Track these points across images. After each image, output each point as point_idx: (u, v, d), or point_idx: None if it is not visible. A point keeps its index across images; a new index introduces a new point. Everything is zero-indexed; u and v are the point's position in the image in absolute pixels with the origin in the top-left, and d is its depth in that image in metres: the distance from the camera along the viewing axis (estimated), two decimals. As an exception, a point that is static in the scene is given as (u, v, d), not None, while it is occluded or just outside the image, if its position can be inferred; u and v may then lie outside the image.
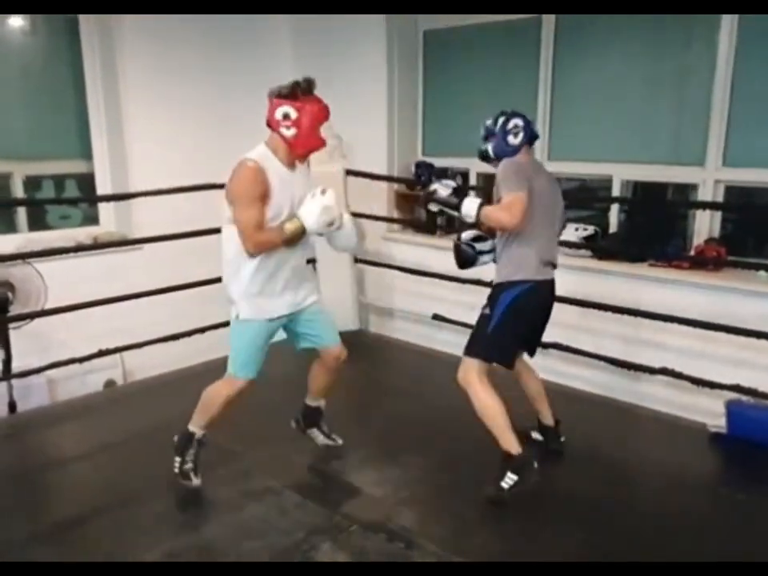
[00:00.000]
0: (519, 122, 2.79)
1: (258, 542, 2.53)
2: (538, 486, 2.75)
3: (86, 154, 4.59)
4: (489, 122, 2.85)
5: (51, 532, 2.62)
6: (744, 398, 3.34)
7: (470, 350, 2.84)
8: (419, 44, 4.96)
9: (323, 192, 2.57)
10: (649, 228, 4.15)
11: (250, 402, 2.88)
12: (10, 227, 4.42)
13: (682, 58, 3.87)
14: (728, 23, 3.60)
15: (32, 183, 4.47)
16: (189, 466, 2.85)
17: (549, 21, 4.26)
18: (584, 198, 4.87)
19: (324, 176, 4.69)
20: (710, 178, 3.79)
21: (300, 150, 2.59)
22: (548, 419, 3.18)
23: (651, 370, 3.59)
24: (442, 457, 3.18)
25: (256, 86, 5.09)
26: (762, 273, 3.56)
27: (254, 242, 2.52)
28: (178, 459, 2.86)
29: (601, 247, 4.09)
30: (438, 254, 4.39)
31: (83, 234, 4.49)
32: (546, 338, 3.96)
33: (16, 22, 4.31)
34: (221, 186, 4.10)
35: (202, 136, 4.89)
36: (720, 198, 3.82)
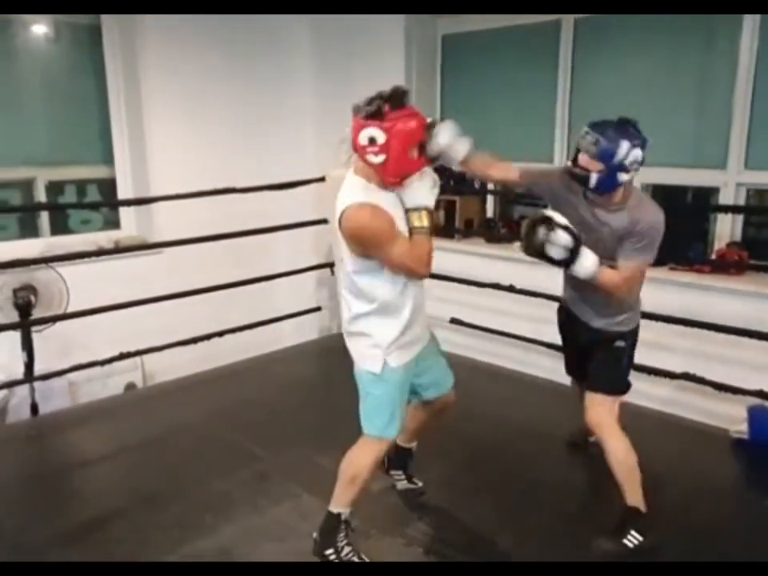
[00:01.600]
0: (640, 155, 2.28)
1: (278, 546, 2.54)
2: (559, 489, 2.74)
3: (108, 159, 4.64)
4: (604, 142, 2.26)
5: (73, 533, 2.65)
6: (767, 403, 3.30)
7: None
8: (437, 48, 4.96)
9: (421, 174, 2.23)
10: (670, 231, 4.10)
11: (272, 404, 2.89)
12: (33, 231, 4.47)
13: (703, 61, 3.84)
14: (749, 25, 3.56)
15: (54, 188, 4.52)
16: (347, 551, 2.41)
17: (568, 24, 4.24)
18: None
19: (341, 180, 4.72)
20: (731, 181, 3.75)
21: (392, 178, 2.16)
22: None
23: (672, 375, 3.56)
24: (462, 461, 3.17)
25: (276, 91, 5.19)
26: (784, 277, 3.52)
27: (418, 264, 2.17)
28: (331, 552, 2.40)
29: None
30: (457, 257, 4.39)
31: (104, 238, 4.54)
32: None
33: (40, 29, 4.38)
34: (240, 191, 4.20)
35: (223, 141, 4.93)
36: (741, 201, 3.78)
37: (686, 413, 3.64)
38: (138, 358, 4.28)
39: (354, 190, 2.21)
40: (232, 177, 4.29)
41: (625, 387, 2.65)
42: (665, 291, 3.72)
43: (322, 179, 4.68)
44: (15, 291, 3.76)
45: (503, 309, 4.32)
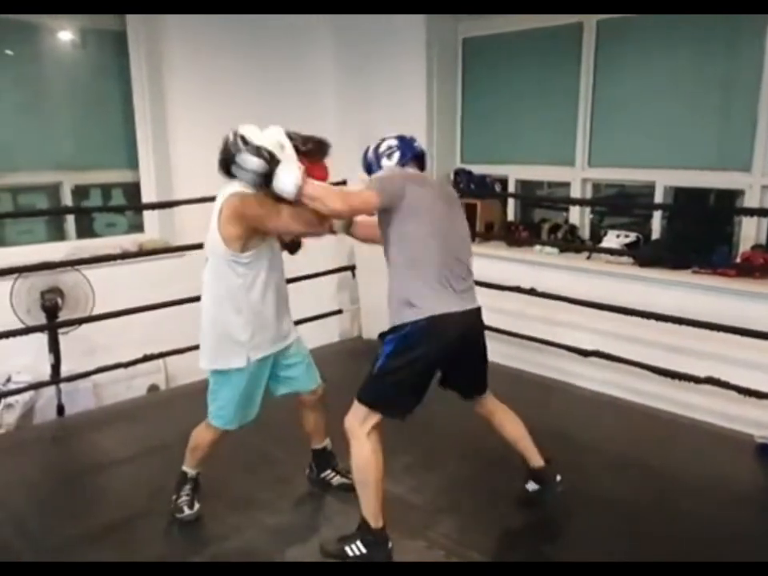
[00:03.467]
0: (393, 142, 2.61)
1: (301, 548, 2.56)
2: (582, 495, 2.72)
3: (133, 163, 4.69)
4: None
5: (100, 533, 2.68)
6: (793, 408, 3.26)
7: None
8: (458, 51, 4.97)
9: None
10: (693, 235, 4.08)
11: (293, 406, 2.90)
12: (60, 235, 4.54)
13: (728, 63, 3.81)
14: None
15: (80, 192, 4.59)
16: (183, 499, 2.76)
17: (590, 27, 4.23)
18: (627, 205, 4.79)
19: (363, 184, 4.74)
20: (756, 184, 3.71)
21: None
22: (537, 461, 2.73)
23: (696, 380, 3.52)
24: (482, 464, 3.16)
25: (299, 94, 5.21)
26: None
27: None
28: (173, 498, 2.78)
29: (643, 254, 4.03)
30: (477, 261, 4.37)
31: (128, 241, 4.59)
32: (588, 345, 3.95)
33: (66, 35, 4.45)
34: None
35: (244, 145, 4.96)
36: (767, 204, 3.74)
37: (711, 418, 3.60)
38: (160, 361, 4.33)
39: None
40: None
41: (373, 400, 2.40)
42: (687, 295, 3.70)
43: (344, 183, 4.70)
44: (43, 293, 3.82)
45: (524, 312, 4.31)
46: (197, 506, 2.76)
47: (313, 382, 2.82)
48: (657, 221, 4.16)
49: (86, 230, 4.62)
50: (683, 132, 3.98)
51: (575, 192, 4.46)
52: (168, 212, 4.58)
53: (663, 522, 2.71)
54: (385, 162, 2.57)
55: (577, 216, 4.51)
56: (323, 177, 2.42)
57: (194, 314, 4.18)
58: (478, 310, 2.49)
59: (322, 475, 2.98)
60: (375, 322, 4.92)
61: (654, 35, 4.01)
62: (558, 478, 2.71)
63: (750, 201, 3.74)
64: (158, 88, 4.58)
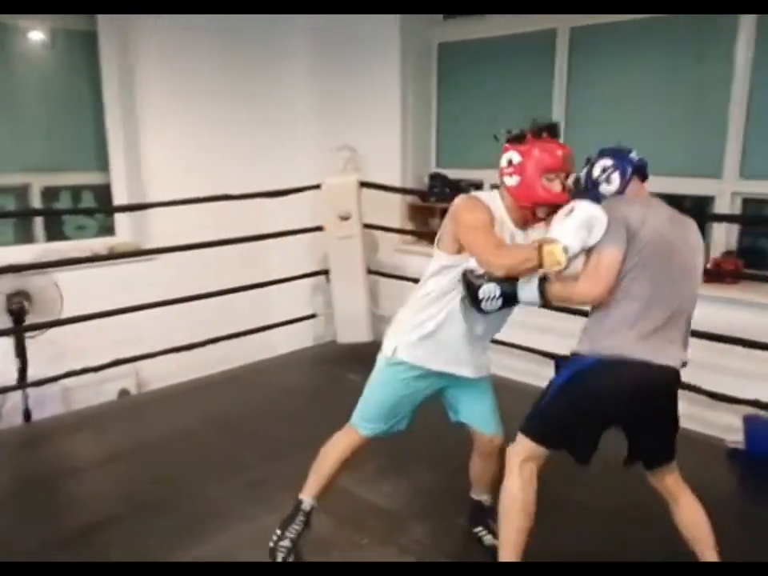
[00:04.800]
0: (607, 161, 2.22)
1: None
2: (557, 500, 2.71)
3: (103, 165, 4.64)
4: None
5: (67, 540, 2.63)
6: (762, 412, 3.30)
7: None
8: (433, 56, 4.98)
9: (572, 209, 2.02)
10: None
11: (266, 412, 2.87)
12: (28, 237, 4.46)
13: (699, 70, 3.85)
14: (745, 34, 3.59)
15: (50, 194, 4.53)
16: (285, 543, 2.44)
17: (563, 32, 4.26)
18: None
19: (337, 188, 4.74)
20: (727, 190, 3.76)
21: (523, 201, 2.15)
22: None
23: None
24: (455, 469, 3.14)
25: (272, 98, 5.19)
26: (780, 286, 3.53)
27: (499, 260, 2.04)
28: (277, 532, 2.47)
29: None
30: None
31: (99, 244, 4.53)
32: (557, 349, 3.96)
33: (36, 36, 4.38)
34: (235, 198, 4.20)
35: (218, 148, 4.94)
36: (737, 211, 3.79)
37: (683, 422, 3.62)
38: (131, 365, 4.26)
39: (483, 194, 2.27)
40: (227, 183, 4.29)
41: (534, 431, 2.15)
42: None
43: (318, 187, 4.68)
44: (9, 297, 3.75)
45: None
46: (292, 556, 2.42)
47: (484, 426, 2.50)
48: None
49: (55, 233, 4.55)
50: (656, 138, 4.02)
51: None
52: (140, 214, 4.53)
53: (633, 525, 2.72)
54: (604, 188, 2.20)
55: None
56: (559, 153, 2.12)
57: (166, 317, 4.18)
58: None
59: (474, 530, 2.70)
60: (349, 327, 4.92)
61: (626, 43, 4.05)
62: None
63: (721, 207, 3.79)
64: (129, 89, 4.53)
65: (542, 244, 1.98)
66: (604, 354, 2.02)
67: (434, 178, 4.93)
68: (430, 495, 2.98)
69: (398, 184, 4.92)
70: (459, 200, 2.21)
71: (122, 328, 4.03)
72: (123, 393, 4.52)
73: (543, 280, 2.06)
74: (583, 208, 2.00)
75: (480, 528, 2.68)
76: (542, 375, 2.59)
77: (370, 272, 4.89)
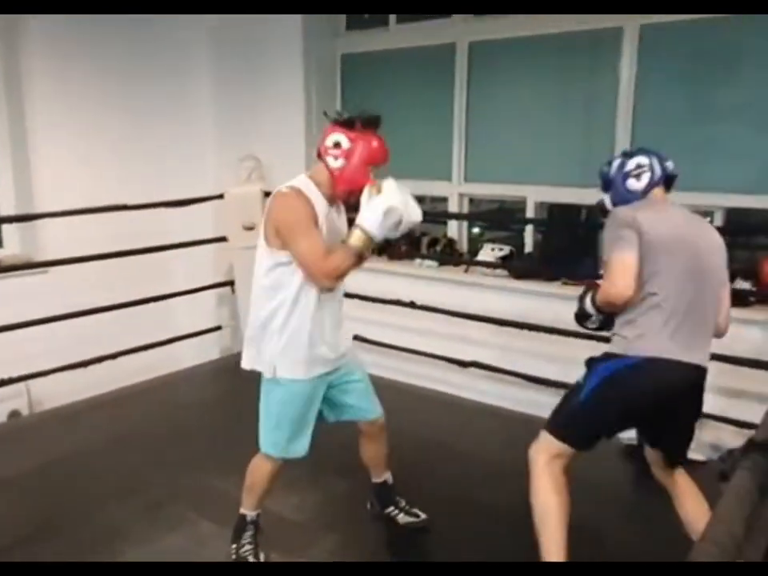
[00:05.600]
0: (644, 160, 2.30)
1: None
2: (462, 502, 2.75)
3: (-12, 173, 4.37)
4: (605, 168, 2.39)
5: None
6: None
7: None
8: (337, 68, 4.99)
9: (378, 190, 2.15)
10: (561, 247, 4.28)
11: (169, 427, 2.78)
12: None
13: (588, 85, 4.05)
14: (628, 50, 3.79)
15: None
16: (246, 549, 2.48)
17: (462, 45, 4.37)
18: (501, 219, 5.02)
19: (242, 198, 4.66)
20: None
21: (342, 186, 2.25)
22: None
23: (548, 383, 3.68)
24: (362, 479, 3.14)
25: (174, 105, 5.04)
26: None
27: (325, 272, 2.15)
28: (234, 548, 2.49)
29: (515, 266, 4.18)
30: (359, 274, 4.38)
31: (-16, 256, 4.26)
32: (466, 356, 4.04)
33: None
34: (132, 207, 4.05)
35: (112, 156, 4.74)
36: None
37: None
38: (22, 384, 4.02)
39: (292, 181, 2.28)
40: (128, 194, 4.14)
41: (563, 430, 2.24)
42: (559, 305, 3.85)
43: (221, 196, 4.59)
44: None
45: (404, 325, 4.35)
46: (262, 555, 2.49)
47: (371, 411, 2.58)
48: (529, 235, 4.34)
49: (-65, 245, 4.24)
50: (550, 150, 4.19)
51: (453, 206, 4.58)
52: (30, 225, 4.30)
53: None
54: (632, 183, 2.29)
55: (455, 230, 4.64)
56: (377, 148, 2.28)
57: (60, 333, 3.97)
58: None
59: (386, 512, 2.77)
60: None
61: (523, 58, 4.21)
62: None
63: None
64: (17, 95, 4.29)
65: (354, 230, 2.15)
66: (640, 355, 2.10)
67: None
68: (339, 505, 2.96)
69: (303, 194, 4.88)
70: (278, 198, 2.23)
71: (11, 345, 3.78)
72: (13, 414, 4.26)
73: (587, 292, 2.34)
74: (390, 188, 2.14)
75: (391, 508, 2.76)
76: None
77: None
